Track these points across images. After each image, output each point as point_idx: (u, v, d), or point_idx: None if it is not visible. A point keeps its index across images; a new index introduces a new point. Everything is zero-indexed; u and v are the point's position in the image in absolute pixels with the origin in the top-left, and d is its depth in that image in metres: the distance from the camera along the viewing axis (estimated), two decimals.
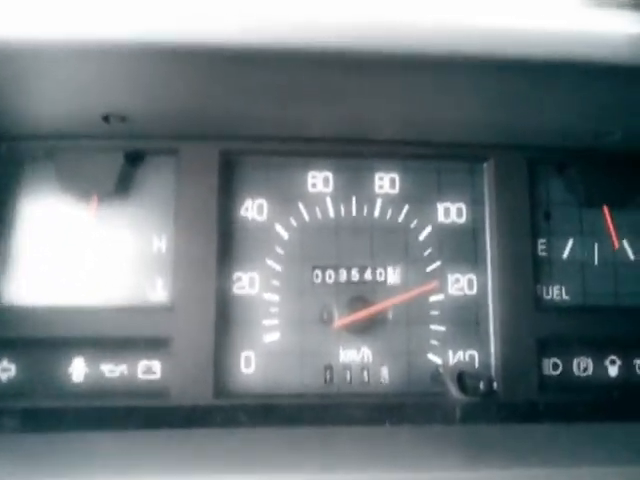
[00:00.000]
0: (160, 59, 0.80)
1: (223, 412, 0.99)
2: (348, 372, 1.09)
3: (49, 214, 1.08)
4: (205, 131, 1.07)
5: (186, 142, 1.08)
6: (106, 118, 0.99)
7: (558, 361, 1.14)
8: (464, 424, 0.99)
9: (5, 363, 1.03)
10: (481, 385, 0.96)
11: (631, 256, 1.19)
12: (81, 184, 1.06)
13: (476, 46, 0.80)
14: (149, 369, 1.05)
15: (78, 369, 1.04)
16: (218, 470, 0.76)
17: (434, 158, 1.17)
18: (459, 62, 0.81)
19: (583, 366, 1.14)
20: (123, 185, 1.08)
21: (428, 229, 1.15)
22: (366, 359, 1.10)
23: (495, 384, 0.99)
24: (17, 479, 0.71)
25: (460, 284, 1.14)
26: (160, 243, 1.08)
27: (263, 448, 0.84)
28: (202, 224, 1.06)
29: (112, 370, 1.04)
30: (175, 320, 1.04)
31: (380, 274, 1.12)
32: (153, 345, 1.04)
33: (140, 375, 1.05)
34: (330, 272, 1.12)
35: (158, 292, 1.07)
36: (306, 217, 1.13)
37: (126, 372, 1.04)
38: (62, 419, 0.96)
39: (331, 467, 0.78)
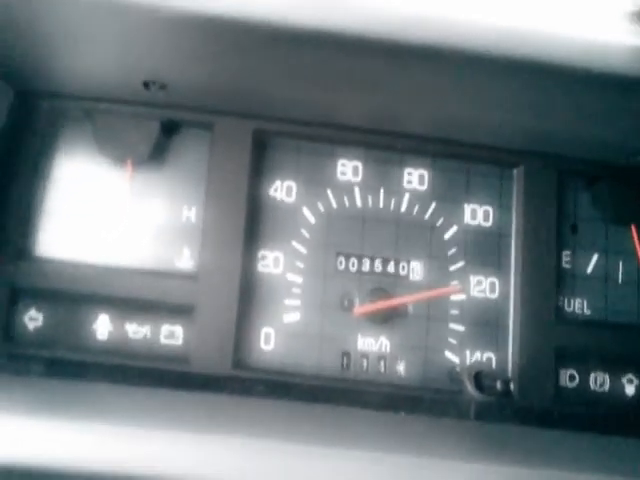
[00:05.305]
0: (203, 32, 0.80)
1: (240, 382, 0.99)
2: (365, 360, 1.08)
3: (85, 173, 1.09)
4: (241, 108, 1.08)
5: (221, 117, 1.09)
6: (146, 84, 1.00)
7: (575, 373, 1.12)
8: (478, 421, 0.97)
9: (33, 312, 1.04)
10: (498, 385, 0.95)
11: None
12: (117, 148, 1.07)
13: (516, 49, 0.81)
14: (171, 334, 1.05)
15: (103, 326, 1.05)
16: (228, 433, 0.75)
17: (465, 159, 1.16)
18: (498, 63, 0.82)
19: (600, 381, 1.13)
20: (158, 153, 1.09)
21: (454, 229, 1.15)
22: (384, 349, 1.09)
23: (512, 385, 0.97)
24: (36, 420, 0.72)
25: (482, 286, 1.13)
26: (190, 213, 1.09)
27: (276, 418, 0.83)
28: (232, 200, 1.07)
29: (136, 331, 1.05)
30: (199, 289, 1.04)
31: (403, 268, 1.12)
32: (177, 311, 1.05)
33: (162, 339, 1.05)
34: (353, 260, 1.11)
35: (185, 260, 1.08)
36: (334, 204, 1.13)
37: (149, 334, 1.05)
38: (84, 371, 0.97)
39: (342, 444, 0.77)
